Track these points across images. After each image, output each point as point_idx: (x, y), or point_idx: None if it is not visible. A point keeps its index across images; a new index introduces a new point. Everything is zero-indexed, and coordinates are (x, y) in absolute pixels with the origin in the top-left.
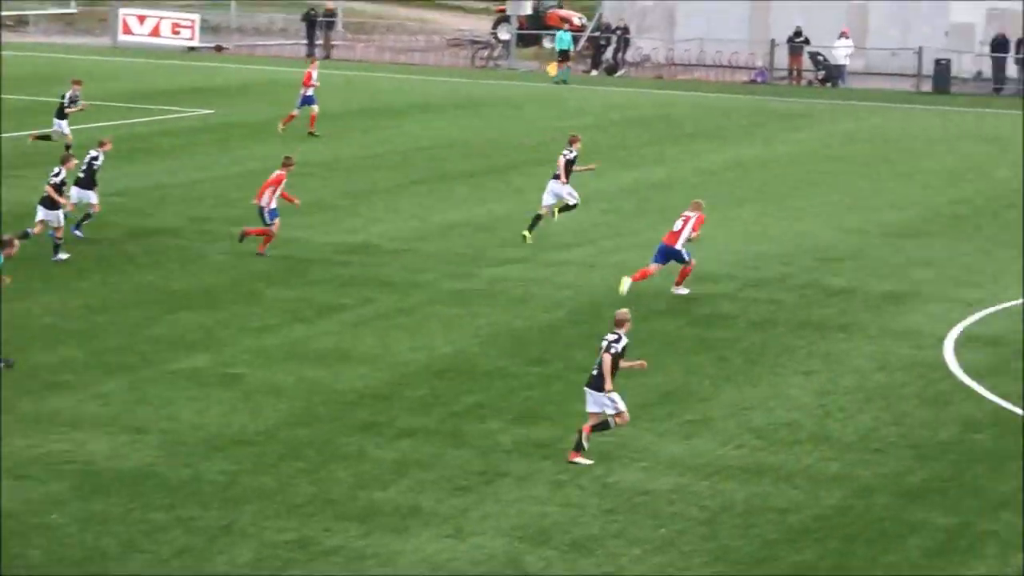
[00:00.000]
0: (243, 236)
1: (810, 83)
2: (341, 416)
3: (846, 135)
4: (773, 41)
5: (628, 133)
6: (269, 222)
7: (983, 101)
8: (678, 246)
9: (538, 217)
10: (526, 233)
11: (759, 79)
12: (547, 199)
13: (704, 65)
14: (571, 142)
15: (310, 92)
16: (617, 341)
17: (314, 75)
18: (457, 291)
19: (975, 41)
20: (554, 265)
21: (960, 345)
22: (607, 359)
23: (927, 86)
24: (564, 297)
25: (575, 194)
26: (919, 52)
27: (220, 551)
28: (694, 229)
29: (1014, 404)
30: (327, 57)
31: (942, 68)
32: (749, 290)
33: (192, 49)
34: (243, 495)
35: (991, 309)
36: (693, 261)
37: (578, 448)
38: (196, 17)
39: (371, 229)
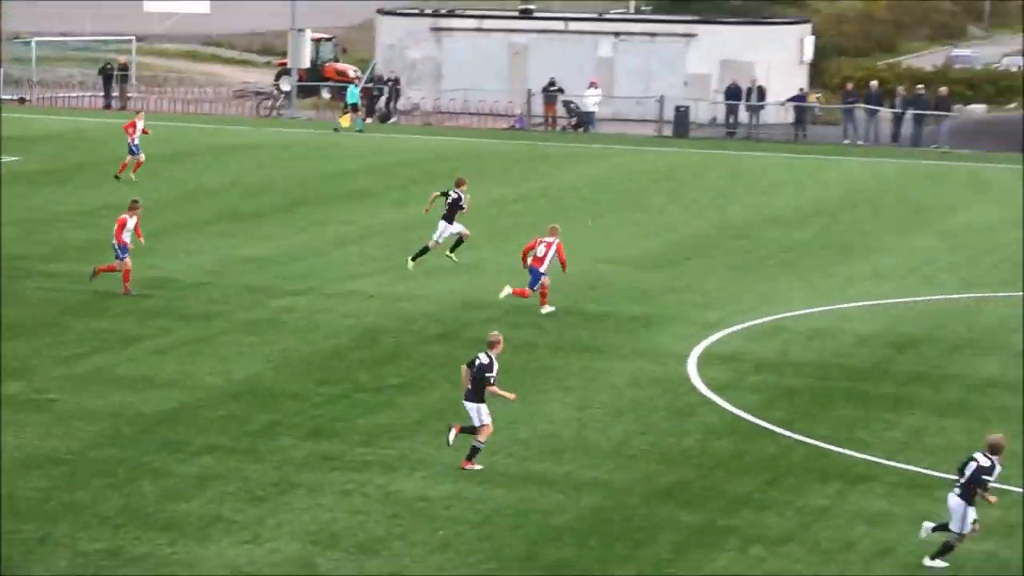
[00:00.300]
0: (96, 274)
1: (564, 128)
2: (146, 435)
3: (597, 175)
4: (530, 91)
5: (399, 175)
6: (120, 259)
7: (718, 144)
8: (542, 269)
9: (425, 249)
10: (410, 261)
11: (518, 125)
12: (438, 234)
13: (468, 113)
14: (458, 184)
15: (135, 141)
16: (490, 368)
17: (138, 125)
18: (250, 321)
19: (710, 90)
20: (336, 296)
21: (702, 362)
22: (494, 390)
23: (668, 131)
24: (346, 325)
25: (463, 229)
26: (661, 100)
27: (37, 560)
28: (558, 254)
29: (750, 414)
30: (123, 108)
31: (681, 114)
32: (513, 316)
33: None
34: (58, 509)
35: (728, 330)
36: (547, 282)
37: (466, 430)
38: None
39: (169, 265)
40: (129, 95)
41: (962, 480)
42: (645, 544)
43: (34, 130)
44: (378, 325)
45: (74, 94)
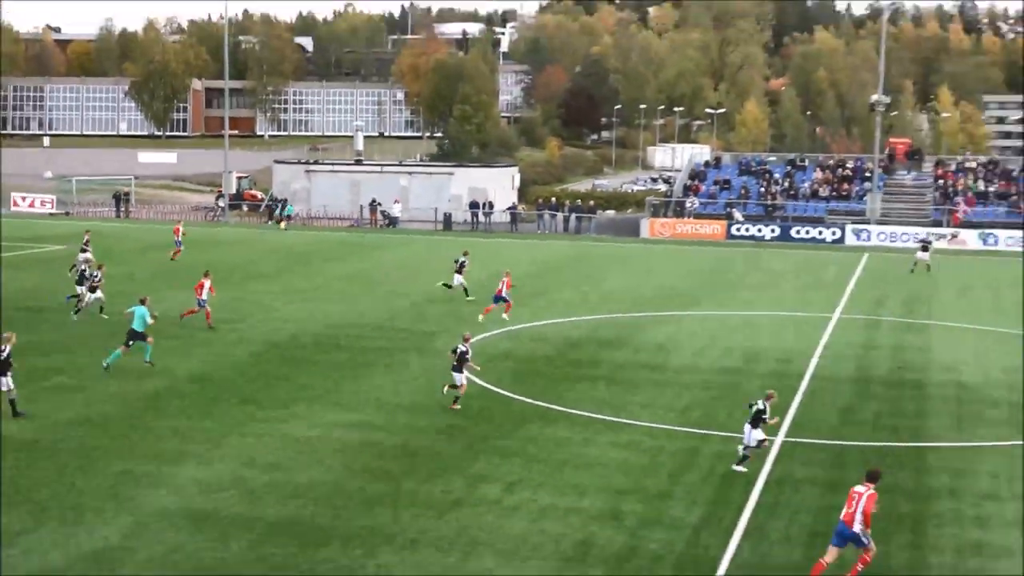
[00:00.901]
0: (183, 316)
1: (382, 226)
2: (142, 405)
3: (403, 254)
4: (361, 205)
5: (291, 256)
6: (200, 307)
7: (468, 234)
8: (503, 295)
9: (448, 285)
10: (445, 283)
11: (356, 225)
12: (456, 281)
13: (327, 218)
14: (464, 254)
15: (179, 239)
16: (468, 353)
17: (181, 229)
18: (204, 339)
19: (463, 203)
20: (259, 323)
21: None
22: (453, 358)
23: (441, 227)
24: (263, 340)
25: (463, 282)
26: (435, 210)
27: (78, 479)
28: (507, 287)
29: (493, 386)
30: (127, 217)
31: (447, 217)
32: (367, 331)
33: (52, 214)
34: (91, 450)
35: (481, 336)
36: (511, 301)
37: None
38: (53, 197)
39: (159, 309)
40: (130, 211)
41: (754, 414)
42: (432, 458)
43: (73, 230)
44: (287, 340)
45: (98, 209)
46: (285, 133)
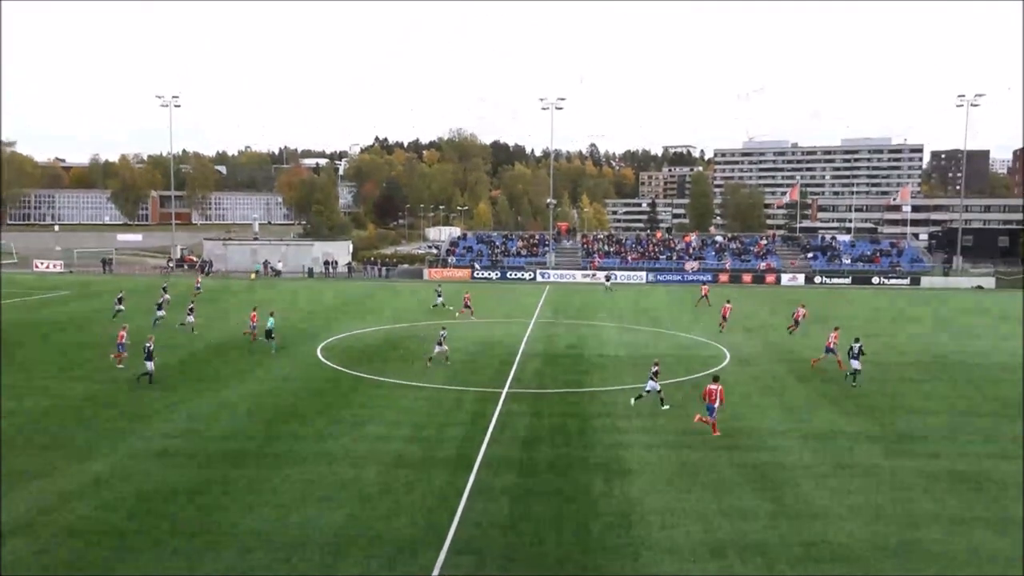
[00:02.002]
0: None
1: (271, 276)
2: (130, 386)
3: (286, 291)
4: (260, 263)
5: (226, 293)
6: (252, 329)
7: (324, 281)
8: (468, 304)
9: (435, 305)
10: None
11: (258, 275)
12: (438, 300)
13: (239, 272)
14: (439, 284)
15: (199, 285)
16: (444, 336)
17: (200, 279)
18: (173, 342)
19: (320, 262)
20: (206, 333)
21: (323, 350)
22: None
23: (307, 276)
24: (207, 342)
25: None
26: (303, 266)
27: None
28: (468, 300)
29: (340, 367)
30: (111, 273)
31: (310, 270)
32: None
33: (60, 273)
34: (95, 416)
35: (334, 337)
36: (472, 308)
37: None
38: (61, 261)
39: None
40: (112, 270)
41: (652, 374)
42: (310, 409)
43: (75, 281)
44: (222, 342)
45: (91, 269)
46: (210, 222)
